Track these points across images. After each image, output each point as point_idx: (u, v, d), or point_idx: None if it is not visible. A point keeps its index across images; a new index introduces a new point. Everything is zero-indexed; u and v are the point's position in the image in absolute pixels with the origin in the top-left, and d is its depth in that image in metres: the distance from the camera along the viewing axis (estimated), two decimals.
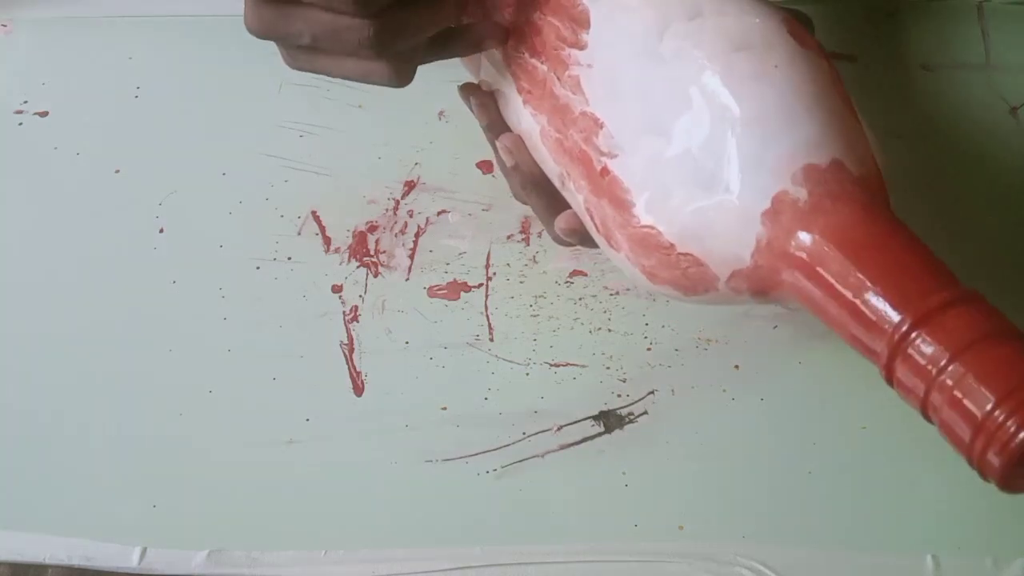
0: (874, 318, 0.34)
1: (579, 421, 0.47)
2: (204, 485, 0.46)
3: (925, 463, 0.46)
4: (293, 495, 0.46)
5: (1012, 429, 0.31)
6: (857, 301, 0.34)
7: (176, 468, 0.46)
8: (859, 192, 0.36)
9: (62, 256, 0.52)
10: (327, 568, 0.44)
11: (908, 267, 0.34)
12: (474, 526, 0.45)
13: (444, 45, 0.44)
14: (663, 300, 0.50)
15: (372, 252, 0.53)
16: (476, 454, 0.47)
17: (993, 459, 0.31)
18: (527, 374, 0.49)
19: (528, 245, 0.53)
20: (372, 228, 0.53)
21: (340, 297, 0.51)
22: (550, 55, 0.42)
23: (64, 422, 0.48)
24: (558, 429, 0.47)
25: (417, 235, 0.53)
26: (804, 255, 0.35)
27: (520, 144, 0.44)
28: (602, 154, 0.40)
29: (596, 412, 0.48)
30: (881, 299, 0.33)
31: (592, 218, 0.41)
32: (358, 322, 0.50)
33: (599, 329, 0.50)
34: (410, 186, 0.55)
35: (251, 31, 0.41)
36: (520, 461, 0.46)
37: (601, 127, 0.40)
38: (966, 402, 0.31)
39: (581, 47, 0.41)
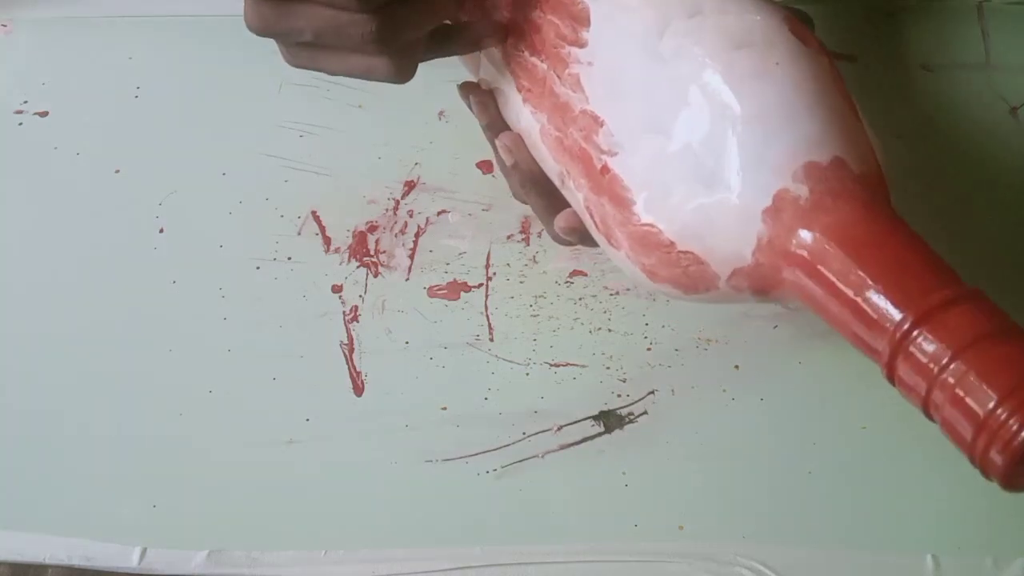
0: (875, 316, 0.33)
1: (579, 421, 0.47)
2: (204, 485, 0.46)
3: (925, 463, 0.46)
4: (293, 495, 0.46)
5: (1015, 427, 0.30)
6: (858, 299, 0.34)
7: (176, 468, 0.46)
8: (860, 190, 0.36)
9: (62, 256, 0.52)
10: (327, 568, 0.44)
11: (909, 265, 0.34)
12: (474, 526, 0.45)
13: (444, 42, 0.44)
14: (663, 300, 0.50)
15: (372, 252, 0.53)
16: (476, 454, 0.47)
17: (996, 457, 0.31)
18: (527, 374, 0.49)
19: (528, 245, 0.53)
20: (372, 228, 0.53)
21: (340, 297, 0.51)
22: (550, 53, 0.42)
23: (64, 422, 0.48)
24: (558, 429, 0.47)
25: (417, 235, 0.53)
26: (805, 253, 0.35)
27: (519, 143, 0.44)
28: (602, 152, 0.40)
29: (596, 412, 0.48)
30: (882, 297, 0.33)
31: (592, 216, 0.41)
32: (358, 322, 0.50)
33: (599, 329, 0.50)
34: (410, 186, 0.55)
35: (251, 29, 0.41)
36: (520, 461, 0.46)
37: (601, 125, 0.40)
38: (968, 400, 0.31)
39: (581, 45, 0.41)
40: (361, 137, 0.56)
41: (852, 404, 0.47)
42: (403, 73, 0.42)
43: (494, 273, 0.52)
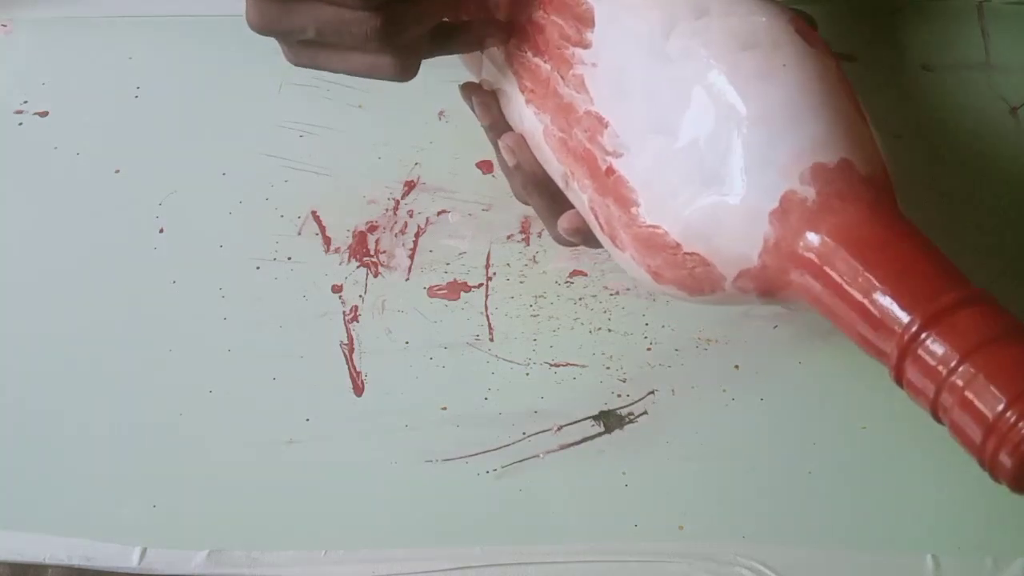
0: (883, 319, 0.33)
1: (579, 421, 0.47)
2: (204, 485, 0.46)
3: (925, 463, 0.46)
4: (293, 495, 0.46)
5: None
6: (866, 302, 0.34)
7: (176, 468, 0.46)
8: (867, 191, 0.35)
9: (62, 256, 0.52)
10: (327, 568, 0.44)
11: (917, 267, 0.34)
12: (474, 526, 0.45)
13: (446, 40, 0.44)
14: (663, 300, 0.50)
15: (372, 252, 0.53)
16: (476, 454, 0.47)
17: (1005, 460, 0.31)
18: (527, 374, 0.49)
19: (528, 245, 0.53)
20: (372, 228, 0.53)
21: (340, 297, 0.51)
22: (553, 54, 0.42)
23: (64, 422, 0.48)
24: (558, 429, 0.47)
25: (417, 235, 0.53)
26: (812, 255, 0.35)
27: (522, 144, 0.44)
28: (607, 153, 0.40)
29: (596, 412, 0.48)
30: (890, 299, 0.33)
31: (597, 218, 0.41)
32: (358, 322, 0.50)
33: (599, 329, 0.50)
34: (410, 186, 0.55)
35: (253, 27, 0.40)
36: (520, 461, 0.46)
37: (606, 126, 0.40)
38: (977, 403, 0.31)
39: (585, 46, 0.41)
40: (361, 137, 0.56)
41: (852, 404, 0.47)
42: (406, 71, 0.42)
43: (494, 273, 0.52)
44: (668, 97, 0.38)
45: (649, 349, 0.49)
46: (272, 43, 0.42)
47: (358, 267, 0.52)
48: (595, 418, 0.48)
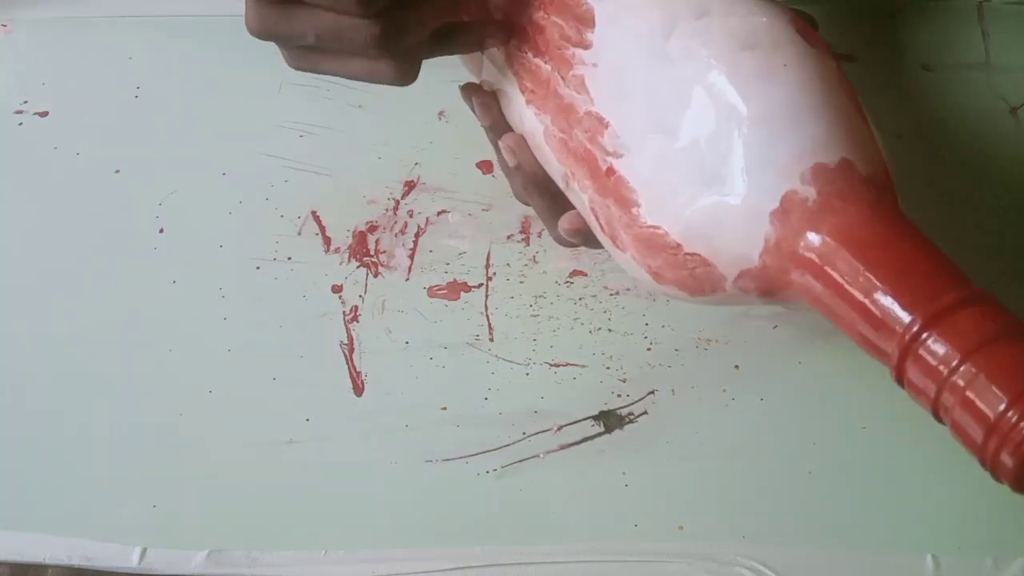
0: (884, 318, 0.33)
1: (579, 421, 0.47)
2: (204, 485, 0.46)
3: (925, 463, 0.46)
4: (293, 495, 0.46)
5: None
6: (867, 302, 0.34)
7: (176, 468, 0.46)
8: (868, 191, 0.35)
9: (62, 256, 0.52)
10: (327, 568, 0.44)
11: (918, 267, 0.34)
12: (474, 526, 0.45)
13: (447, 42, 0.44)
14: (663, 300, 0.50)
15: (372, 252, 0.53)
16: (476, 454, 0.47)
17: (1007, 460, 0.31)
18: (527, 374, 0.49)
19: (528, 245, 0.53)
20: (372, 228, 0.53)
21: (340, 297, 0.51)
22: (554, 54, 0.42)
23: (64, 422, 0.48)
24: (558, 429, 0.47)
25: (417, 235, 0.53)
26: (813, 255, 0.35)
27: (523, 144, 0.44)
28: (607, 153, 0.40)
29: (596, 412, 0.48)
30: (891, 299, 0.33)
31: (597, 218, 0.41)
32: (358, 322, 0.50)
33: (599, 329, 0.50)
34: (410, 186, 0.55)
35: (252, 32, 0.41)
36: (520, 461, 0.46)
37: (606, 126, 0.40)
38: (978, 403, 0.31)
39: (586, 46, 0.41)
40: (361, 137, 0.56)
41: (852, 404, 0.47)
42: (406, 76, 0.42)
43: (494, 273, 0.52)
44: (668, 97, 0.38)
45: (649, 349, 0.49)
46: (272, 44, 0.42)
47: (358, 267, 0.52)
48: (595, 418, 0.48)
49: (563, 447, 0.47)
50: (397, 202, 0.54)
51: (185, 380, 0.49)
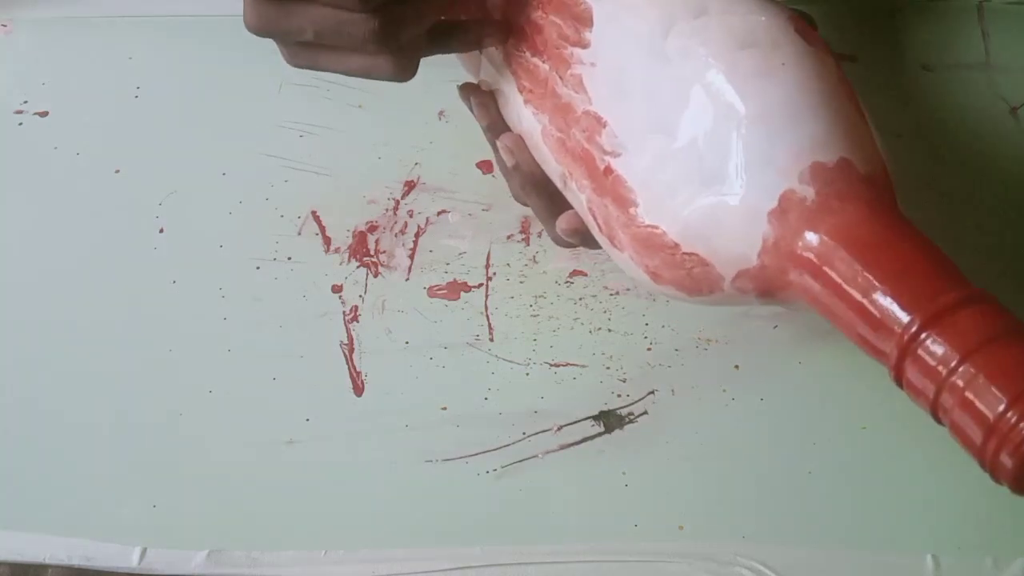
0: (883, 319, 0.33)
1: (579, 421, 0.47)
2: (204, 485, 0.46)
3: (925, 463, 0.46)
4: (293, 495, 0.46)
5: None
6: (865, 302, 0.34)
7: (176, 468, 0.46)
8: (866, 191, 0.35)
9: (62, 256, 0.52)
10: (327, 568, 0.44)
11: (917, 266, 0.34)
12: (474, 526, 0.45)
13: (445, 40, 0.44)
14: (663, 300, 0.50)
15: (372, 252, 0.53)
16: (476, 454, 0.47)
17: (1006, 461, 0.31)
18: (527, 374, 0.49)
19: (528, 245, 0.53)
20: (372, 228, 0.53)
21: (340, 297, 0.51)
22: (552, 54, 0.42)
23: (64, 422, 0.48)
24: (558, 429, 0.47)
25: (417, 235, 0.53)
26: (811, 255, 0.35)
27: (521, 144, 0.44)
28: (605, 153, 0.40)
29: (596, 412, 0.48)
30: (890, 299, 0.33)
31: (595, 218, 0.41)
32: (358, 322, 0.50)
33: (599, 329, 0.50)
34: (410, 186, 0.55)
35: (251, 29, 0.40)
36: (520, 461, 0.46)
37: (604, 126, 0.40)
38: (977, 403, 0.31)
39: (584, 46, 0.41)
40: (361, 137, 0.56)
41: (852, 404, 0.47)
42: (405, 72, 0.42)
43: (494, 273, 0.52)
44: (667, 96, 0.38)
45: (649, 349, 0.49)
46: (272, 43, 0.42)
47: (358, 267, 0.52)
48: (595, 418, 0.48)
49: (563, 447, 0.47)
50: (397, 202, 0.54)
51: (185, 380, 0.49)
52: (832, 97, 0.37)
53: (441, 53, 0.44)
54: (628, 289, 0.51)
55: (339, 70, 0.42)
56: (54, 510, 0.45)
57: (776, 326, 0.50)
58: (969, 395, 0.31)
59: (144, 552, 0.44)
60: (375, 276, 0.52)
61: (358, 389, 0.49)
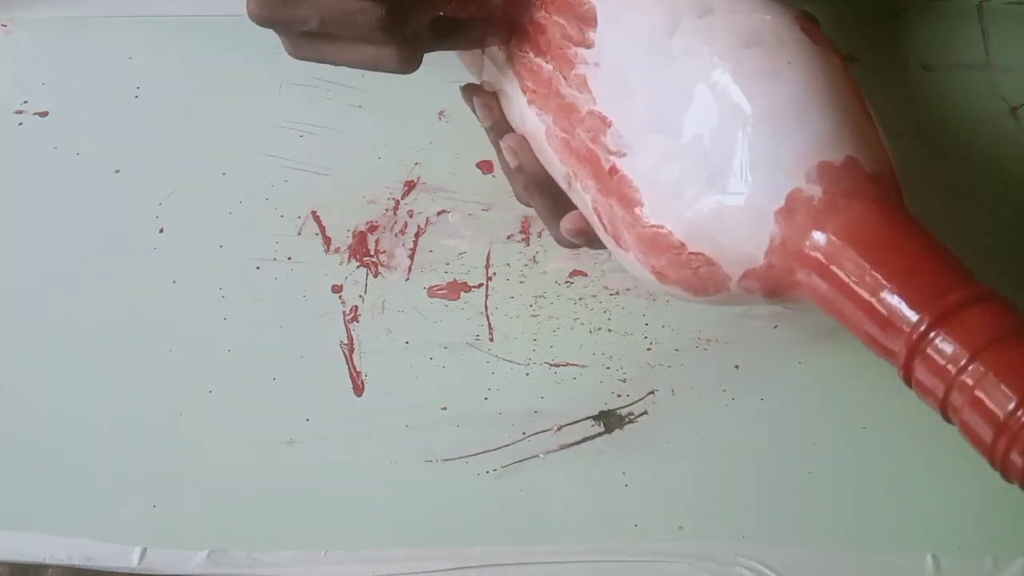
0: (891, 318, 0.33)
1: (579, 421, 0.47)
2: (204, 485, 0.46)
3: (925, 463, 0.46)
4: (293, 495, 0.46)
5: None
6: (874, 301, 0.34)
7: (176, 468, 0.46)
8: (873, 189, 0.35)
9: (62, 256, 0.52)
10: (327, 568, 0.44)
11: (925, 265, 0.34)
12: (474, 526, 0.45)
13: (448, 36, 0.43)
14: (663, 300, 0.50)
15: (372, 252, 0.53)
16: (476, 454, 0.47)
17: (1017, 459, 0.31)
18: (527, 374, 0.49)
19: (528, 245, 0.53)
20: (372, 228, 0.53)
21: (340, 297, 0.51)
22: (555, 54, 0.42)
23: (64, 422, 0.48)
24: (558, 429, 0.47)
25: (417, 235, 0.53)
26: (819, 255, 0.35)
27: (524, 145, 0.44)
28: (610, 153, 0.40)
29: (596, 412, 0.48)
30: (898, 298, 0.33)
31: (600, 218, 0.41)
32: (358, 322, 0.50)
33: (599, 329, 0.50)
34: (410, 186, 0.55)
35: (254, 18, 0.40)
36: (520, 461, 0.46)
37: (609, 126, 0.40)
38: (987, 402, 0.31)
39: (588, 45, 0.41)
40: (361, 137, 0.56)
41: (852, 404, 0.47)
42: (409, 64, 0.42)
43: (494, 273, 0.52)
44: (672, 96, 0.38)
45: (649, 349, 0.49)
46: (272, 43, 0.42)
47: (358, 267, 0.52)
48: (595, 418, 0.48)
49: (563, 447, 0.47)
50: (397, 202, 0.54)
51: (185, 380, 0.49)
52: (838, 96, 0.37)
53: (444, 49, 0.44)
54: (628, 289, 0.51)
55: (343, 62, 0.42)
56: (54, 510, 0.45)
57: (776, 326, 0.50)
58: (979, 394, 0.31)
59: (144, 552, 0.44)
60: (375, 276, 0.52)
61: (358, 389, 0.49)
